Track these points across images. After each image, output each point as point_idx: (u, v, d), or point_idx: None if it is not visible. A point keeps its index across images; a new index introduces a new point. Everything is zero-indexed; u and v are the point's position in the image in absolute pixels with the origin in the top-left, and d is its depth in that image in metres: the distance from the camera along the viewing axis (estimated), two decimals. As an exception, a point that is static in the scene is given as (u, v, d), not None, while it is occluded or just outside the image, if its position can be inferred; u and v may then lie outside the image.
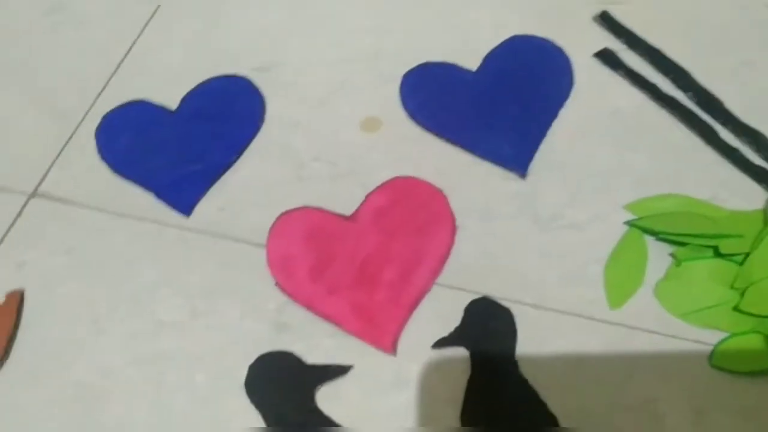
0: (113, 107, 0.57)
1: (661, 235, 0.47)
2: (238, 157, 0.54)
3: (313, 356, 0.45)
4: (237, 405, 0.43)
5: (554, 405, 0.42)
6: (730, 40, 0.58)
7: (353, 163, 0.53)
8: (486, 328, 0.45)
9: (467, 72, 0.56)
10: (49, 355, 0.46)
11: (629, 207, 0.49)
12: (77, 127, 0.56)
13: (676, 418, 0.41)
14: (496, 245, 0.49)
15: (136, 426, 0.43)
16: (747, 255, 0.44)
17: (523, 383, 0.42)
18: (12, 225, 0.52)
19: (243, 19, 0.62)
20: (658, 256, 0.47)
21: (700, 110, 0.53)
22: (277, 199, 0.51)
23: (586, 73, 0.56)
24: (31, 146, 0.55)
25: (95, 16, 0.63)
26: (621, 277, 0.46)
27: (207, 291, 0.48)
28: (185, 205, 0.52)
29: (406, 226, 0.49)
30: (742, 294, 0.43)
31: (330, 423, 0.42)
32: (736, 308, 0.43)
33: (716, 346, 0.43)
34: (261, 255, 0.49)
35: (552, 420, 0.41)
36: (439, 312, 0.46)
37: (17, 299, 0.48)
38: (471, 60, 0.57)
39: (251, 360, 0.45)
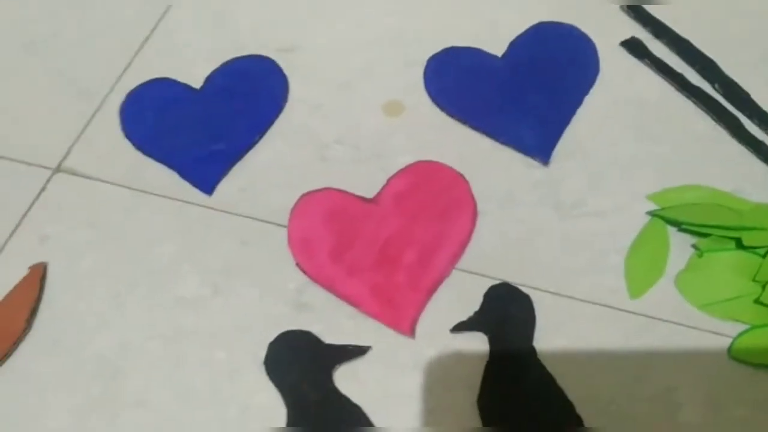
0: (137, 85, 0.57)
1: (683, 226, 0.47)
2: (260, 138, 0.54)
3: (331, 336, 0.45)
4: (256, 382, 0.44)
5: (571, 392, 0.42)
6: (758, 31, 0.57)
7: (375, 147, 0.53)
8: (505, 313, 0.45)
9: (492, 58, 0.56)
10: (70, 327, 0.47)
11: (652, 197, 0.49)
12: (101, 104, 0.56)
13: (694, 410, 0.41)
14: (517, 232, 0.49)
15: (155, 401, 0.44)
16: (771, 247, 0.44)
17: (541, 370, 0.43)
18: (36, 199, 0.52)
19: (268, 0, 0.62)
20: (679, 247, 0.47)
21: (726, 102, 0.53)
22: (298, 180, 0.51)
23: (612, 61, 0.56)
24: (55, 122, 0.56)
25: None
26: (642, 266, 0.46)
27: (228, 269, 0.48)
28: (207, 184, 0.52)
29: (428, 210, 0.49)
30: (764, 287, 0.43)
31: (347, 402, 0.42)
32: (757, 301, 0.43)
33: (735, 338, 0.43)
34: (282, 235, 0.49)
35: (569, 407, 0.41)
36: (459, 297, 0.46)
37: (40, 272, 0.48)
38: (496, 46, 0.56)
39: (270, 338, 0.45)
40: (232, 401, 0.43)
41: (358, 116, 0.55)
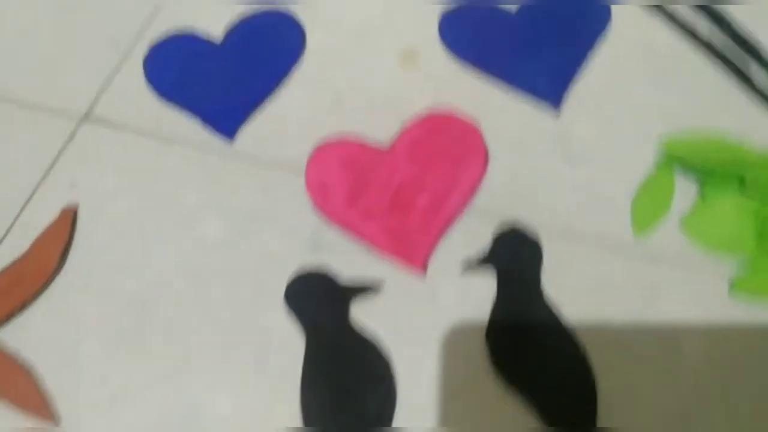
0: (161, 37, 0.58)
1: (689, 167, 0.48)
2: (279, 87, 0.55)
3: (347, 274, 0.47)
4: (277, 317, 0.46)
5: (575, 328, 0.43)
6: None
7: (390, 95, 0.54)
8: (513, 253, 0.47)
9: (506, 11, 0.57)
10: (100, 266, 0.49)
11: (659, 144, 0.50)
12: (127, 55, 0.58)
13: (694, 346, 0.43)
14: (528, 177, 0.50)
15: (182, 334, 0.46)
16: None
17: (547, 306, 0.44)
18: (65, 147, 0.54)
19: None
20: (685, 193, 0.48)
21: (736, 52, 0.54)
22: (316, 128, 0.53)
23: (624, 11, 0.56)
24: (83, 72, 0.58)
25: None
26: (648, 208, 0.47)
27: (248, 213, 0.50)
28: (229, 132, 0.54)
29: (440, 157, 0.51)
30: (764, 226, 0.44)
31: (362, 334, 0.44)
32: (758, 240, 0.44)
33: (735, 278, 0.44)
34: (300, 181, 0.51)
35: (573, 341, 0.43)
36: (469, 238, 0.48)
37: (71, 215, 0.51)
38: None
39: (290, 277, 0.47)
40: (255, 334, 0.46)
41: (373, 65, 0.56)
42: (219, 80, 0.56)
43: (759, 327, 0.43)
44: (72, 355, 0.46)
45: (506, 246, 0.47)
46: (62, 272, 0.49)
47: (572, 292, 0.45)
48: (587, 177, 0.50)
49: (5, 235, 0.50)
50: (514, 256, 0.47)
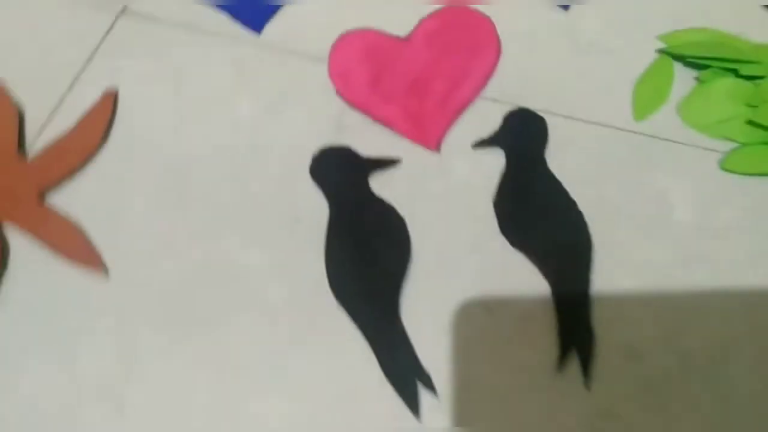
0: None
1: (687, 59, 0.51)
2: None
3: (367, 151, 0.51)
4: (305, 189, 0.50)
5: (576, 194, 0.48)
6: None
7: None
8: (521, 131, 0.51)
9: None
10: (141, 142, 0.53)
11: (662, 37, 0.53)
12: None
13: (684, 209, 0.47)
14: (536, 66, 0.54)
15: (217, 201, 0.51)
16: (764, 77, 0.49)
17: (550, 176, 0.49)
18: (104, 38, 0.58)
19: None
20: (683, 80, 0.52)
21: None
22: (338, 23, 0.56)
23: None
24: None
25: None
26: (647, 94, 0.51)
27: (277, 97, 0.54)
28: (256, 26, 0.58)
29: (456, 47, 0.54)
30: (756, 109, 0.48)
31: (381, 202, 0.49)
32: (749, 121, 0.48)
33: (725, 155, 0.48)
34: (323, 69, 0.55)
35: (572, 205, 0.47)
36: (481, 121, 0.52)
37: (113, 95, 0.55)
38: None
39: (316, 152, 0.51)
40: (284, 203, 0.50)
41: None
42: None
43: (744, 196, 0.47)
44: (117, 216, 0.50)
45: (515, 125, 0.51)
46: (106, 146, 0.53)
47: (574, 168, 0.49)
48: (592, 67, 0.53)
49: (53, 113, 0.55)
50: (522, 134, 0.51)
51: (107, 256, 0.49)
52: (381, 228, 0.48)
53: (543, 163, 0.49)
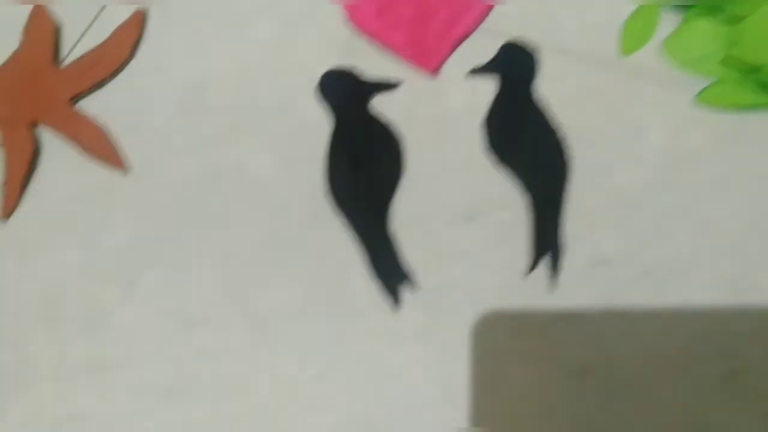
0: None
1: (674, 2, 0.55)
2: None
3: (371, 74, 0.55)
4: (311, 104, 0.55)
5: (560, 119, 0.52)
6: None
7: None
8: (514, 61, 0.54)
9: None
10: (165, 58, 0.58)
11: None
12: None
13: (658, 133, 0.51)
14: (534, 3, 0.57)
15: (232, 114, 0.55)
16: (744, 18, 0.52)
17: (538, 102, 0.52)
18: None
19: None
20: (671, 21, 0.55)
21: None
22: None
23: None
24: None
25: None
26: (635, 31, 0.54)
27: (293, 21, 0.58)
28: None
29: (460, -17, 0.58)
30: (733, 46, 0.51)
31: (379, 118, 0.53)
32: (725, 58, 0.52)
33: (702, 90, 0.52)
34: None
35: (556, 129, 0.51)
36: (479, 50, 0.55)
37: (142, 15, 0.60)
38: None
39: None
40: (293, 117, 0.55)
41: None
42: None
43: (714, 126, 0.51)
44: (139, 122, 0.56)
45: (509, 55, 0.54)
46: (134, 59, 0.58)
47: (560, 97, 0.53)
48: (586, 6, 0.56)
49: (87, 29, 0.60)
50: (514, 65, 0.54)
51: (129, 157, 0.54)
52: (377, 142, 0.52)
53: (532, 91, 0.53)
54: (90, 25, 0.60)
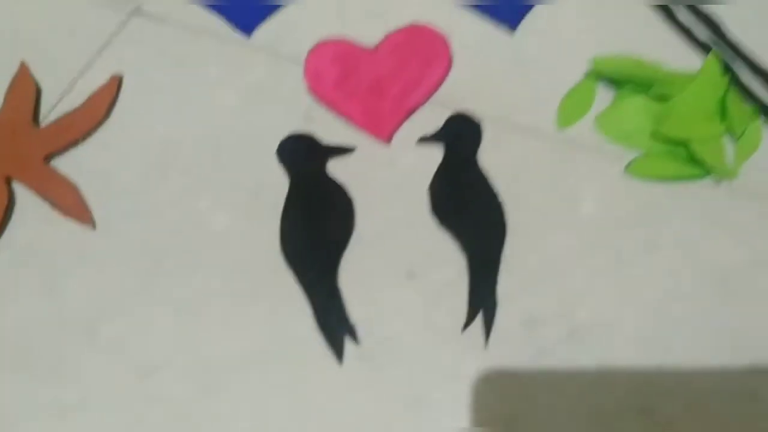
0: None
1: (610, 79, 0.59)
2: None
3: (328, 140, 0.60)
4: (271, 167, 0.59)
5: (499, 186, 0.56)
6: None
7: (381, 7, 0.67)
8: (459, 132, 0.59)
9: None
10: (138, 119, 0.62)
11: (592, 59, 0.61)
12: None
13: (590, 200, 0.55)
14: (481, 78, 0.62)
15: (196, 172, 0.59)
16: (670, 97, 0.57)
17: (480, 170, 0.56)
18: (115, 33, 0.68)
19: None
20: (605, 97, 0.60)
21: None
22: (317, 31, 0.65)
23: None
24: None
25: None
26: (572, 106, 0.59)
27: (257, 91, 0.63)
28: (246, 30, 0.67)
29: (414, 58, 0.63)
30: (660, 123, 0.56)
31: (334, 180, 0.57)
32: (653, 133, 0.56)
33: (632, 161, 0.56)
34: (300, 70, 0.63)
35: (495, 195, 0.55)
36: (428, 121, 0.60)
37: (117, 80, 0.64)
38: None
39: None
40: (253, 178, 0.58)
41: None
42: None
43: (644, 195, 0.55)
44: (109, 180, 0.59)
45: (454, 126, 0.59)
46: (107, 122, 0.62)
47: (501, 165, 0.57)
48: (528, 81, 0.61)
49: (65, 93, 0.64)
50: (459, 134, 0.59)
51: (97, 213, 0.57)
52: (330, 202, 0.56)
53: (475, 159, 0.57)
54: (68, 90, 0.64)
